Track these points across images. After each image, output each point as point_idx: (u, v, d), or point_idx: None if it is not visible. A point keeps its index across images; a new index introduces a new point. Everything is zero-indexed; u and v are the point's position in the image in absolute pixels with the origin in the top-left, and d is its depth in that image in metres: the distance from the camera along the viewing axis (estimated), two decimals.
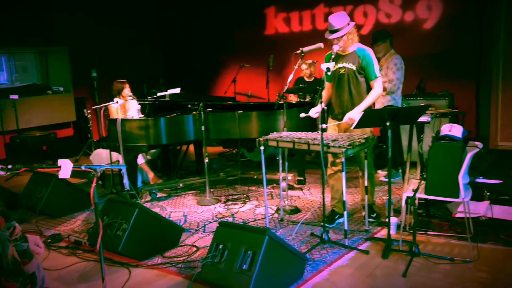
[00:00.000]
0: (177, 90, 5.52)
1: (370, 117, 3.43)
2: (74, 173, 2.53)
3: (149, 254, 3.66)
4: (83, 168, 2.48)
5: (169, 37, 10.12)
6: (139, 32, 9.50)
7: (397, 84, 5.10)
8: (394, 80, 5.08)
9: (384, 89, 5.11)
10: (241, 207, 4.76)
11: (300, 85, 6.52)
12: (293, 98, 6.76)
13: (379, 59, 5.27)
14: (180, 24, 9.86)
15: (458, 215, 4.06)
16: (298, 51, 4.18)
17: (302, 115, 3.92)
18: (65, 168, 2.39)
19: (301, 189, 5.26)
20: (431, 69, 6.97)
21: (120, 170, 5.38)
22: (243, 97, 7.49)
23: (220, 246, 3.00)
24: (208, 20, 9.42)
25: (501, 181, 4.66)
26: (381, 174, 5.58)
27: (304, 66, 6.54)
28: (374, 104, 4.17)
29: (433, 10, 6.98)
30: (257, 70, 8.35)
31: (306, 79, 6.65)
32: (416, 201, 3.74)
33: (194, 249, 3.74)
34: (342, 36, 3.81)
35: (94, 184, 2.48)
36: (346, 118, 3.77)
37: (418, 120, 3.74)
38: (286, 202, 4.67)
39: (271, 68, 7.10)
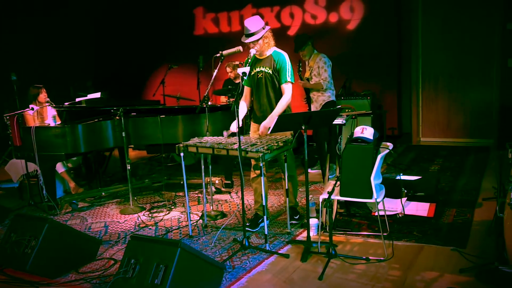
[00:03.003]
0: (98, 95, 5.31)
1: (286, 121, 3.44)
2: None
3: (62, 270, 3.46)
4: None
5: (97, 39, 9.74)
6: (65, 33, 9.05)
7: (330, 80, 5.34)
8: (328, 78, 5.31)
9: (321, 87, 5.30)
10: (166, 214, 4.64)
11: (229, 87, 6.48)
12: (223, 100, 6.71)
13: (306, 62, 5.39)
14: (108, 25, 9.52)
15: (377, 213, 4.17)
16: (218, 54, 4.13)
17: (225, 134, 3.99)
18: None
19: (229, 193, 5.22)
20: (356, 68, 7.18)
21: (38, 180, 5.09)
22: (173, 99, 7.34)
23: (132, 261, 2.88)
24: (137, 20, 9.16)
25: (420, 177, 4.86)
26: (312, 173, 5.71)
27: (228, 69, 6.52)
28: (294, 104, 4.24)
29: (355, 11, 7.18)
30: (188, 72, 8.23)
31: (235, 81, 6.61)
32: (335, 202, 3.83)
33: (112, 262, 3.59)
34: (258, 40, 3.81)
35: None
36: (261, 128, 3.83)
37: (334, 123, 3.80)
38: (212, 207, 4.61)
39: (201, 69, 7.00)
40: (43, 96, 5.36)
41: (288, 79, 3.86)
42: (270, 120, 3.77)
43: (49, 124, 5.37)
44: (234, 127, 3.94)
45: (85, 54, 9.62)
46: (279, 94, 3.95)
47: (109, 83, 9.33)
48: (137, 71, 9.30)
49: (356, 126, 3.66)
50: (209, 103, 5.03)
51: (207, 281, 3.01)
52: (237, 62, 6.63)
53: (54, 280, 3.36)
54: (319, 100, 5.40)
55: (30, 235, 3.38)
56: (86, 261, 3.61)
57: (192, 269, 2.87)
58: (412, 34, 7.04)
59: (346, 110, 4.26)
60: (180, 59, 8.32)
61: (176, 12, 8.72)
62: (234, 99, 6.18)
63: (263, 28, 3.82)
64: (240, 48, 4.11)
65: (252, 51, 3.87)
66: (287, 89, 3.88)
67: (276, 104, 3.92)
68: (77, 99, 5.21)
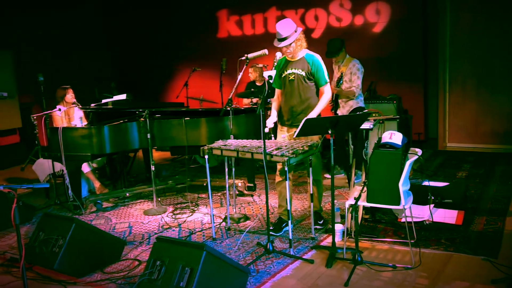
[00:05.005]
0: (123, 96, 5.35)
1: (312, 125, 3.40)
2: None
3: (88, 270, 3.50)
4: (1, 188, 2.32)
5: (121, 40, 9.86)
6: (89, 35, 9.22)
7: (361, 87, 5.19)
8: (360, 85, 5.16)
9: (353, 94, 5.16)
10: (189, 216, 4.65)
11: (252, 89, 6.47)
12: (246, 102, 6.71)
13: (338, 67, 5.29)
14: (132, 27, 9.63)
15: (403, 219, 4.10)
16: (243, 57, 4.12)
17: (267, 130, 3.86)
18: None
19: (251, 196, 5.20)
20: (381, 72, 7.08)
21: (64, 179, 5.16)
22: (195, 101, 7.37)
23: (158, 263, 2.88)
24: (160, 23, 9.25)
25: (447, 183, 4.76)
26: (336, 178, 5.64)
27: (250, 70, 6.52)
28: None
29: (381, 14, 7.09)
30: (211, 74, 8.26)
31: (257, 84, 6.61)
32: (361, 208, 3.77)
33: (136, 263, 3.61)
34: (290, 44, 3.79)
35: (14, 205, 2.32)
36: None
37: (361, 127, 3.75)
38: (234, 210, 4.60)
39: (224, 72, 7.01)
40: (70, 96, 5.43)
41: (327, 79, 3.91)
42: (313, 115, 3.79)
43: (76, 124, 5.45)
44: (270, 123, 3.93)
45: (109, 55, 9.76)
46: (309, 97, 3.94)
47: (133, 85, 9.43)
48: (160, 72, 9.38)
49: (383, 131, 3.60)
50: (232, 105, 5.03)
51: (231, 284, 2.99)
52: (260, 65, 6.63)
53: (80, 279, 3.40)
54: (346, 106, 5.27)
55: (57, 234, 3.43)
56: (111, 261, 3.65)
57: (217, 273, 2.86)
58: (439, 37, 6.91)
59: (373, 115, 4.19)
60: (203, 61, 8.35)
61: (200, 15, 8.76)
62: (259, 102, 6.20)
63: (295, 31, 3.79)
64: (266, 51, 4.09)
65: (278, 54, 3.85)
66: (328, 89, 3.92)
67: (306, 106, 3.93)
68: (103, 101, 5.26)
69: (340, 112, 5.28)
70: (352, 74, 5.16)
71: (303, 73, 3.90)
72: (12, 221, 2.38)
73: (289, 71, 3.95)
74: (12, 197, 2.30)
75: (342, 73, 5.14)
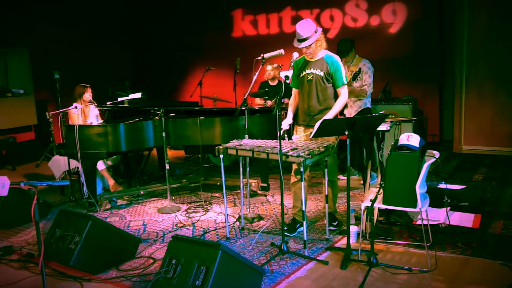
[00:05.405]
0: (139, 95, 5.39)
1: (329, 126, 3.39)
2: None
3: (103, 267, 3.52)
4: (22, 185, 2.34)
5: (135, 40, 9.92)
6: (104, 33, 9.28)
7: (372, 86, 5.17)
8: (371, 83, 5.15)
9: (365, 93, 5.15)
10: (202, 215, 4.66)
11: (266, 89, 6.46)
12: (259, 102, 6.70)
13: (348, 66, 5.28)
14: (146, 26, 9.68)
15: (418, 222, 4.07)
16: (259, 57, 4.12)
17: (282, 132, 3.90)
18: (2, 185, 2.25)
19: (265, 196, 5.20)
20: (396, 73, 7.03)
21: (79, 176, 5.21)
22: (209, 100, 7.39)
23: (173, 261, 2.90)
24: (175, 22, 9.28)
25: (464, 186, 4.71)
26: (343, 179, 5.61)
27: (268, 67, 6.49)
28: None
29: (398, 15, 7.03)
30: (224, 73, 8.26)
31: (271, 83, 6.59)
32: (376, 210, 3.75)
33: (151, 261, 3.63)
34: (311, 44, 3.78)
35: (34, 202, 2.35)
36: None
37: (378, 129, 3.72)
38: (248, 210, 4.60)
39: (238, 71, 7.02)
40: (88, 95, 5.48)
41: (344, 81, 3.89)
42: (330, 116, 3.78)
43: (92, 122, 5.49)
44: (285, 125, 3.92)
45: (123, 54, 9.81)
46: (327, 97, 3.93)
47: (146, 83, 9.49)
48: (174, 71, 9.41)
49: (400, 133, 3.57)
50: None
51: (246, 284, 3.00)
52: (275, 65, 6.61)
53: (95, 276, 3.42)
54: (354, 106, 5.25)
55: (74, 231, 3.46)
56: (126, 259, 3.67)
57: (232, 272, 2.86)
58: (456, 38, 6.84)
59: (390, 116, 4.16)
60: (217, 60, 8.36)
61: (215, 14, 8.78)
62: (274, 102, 6.18)
63: (316, 32, 3.78)
64: (282, 51, 4.08)
65: (295, 54, 3.83)
66: (344, 91, 3.91)
67: (324, 106, 3.92)
68: (119, 99, 5.30)
69: (347, 111, 5.26)
70: (364, 73, 5.15)
71: (322, 74, 3.88)
72: (32, 217, 2.40)
73: (308, 71, 3.94)
74: (33, 194, 2.32)
75: (360, 69, 5.11)
